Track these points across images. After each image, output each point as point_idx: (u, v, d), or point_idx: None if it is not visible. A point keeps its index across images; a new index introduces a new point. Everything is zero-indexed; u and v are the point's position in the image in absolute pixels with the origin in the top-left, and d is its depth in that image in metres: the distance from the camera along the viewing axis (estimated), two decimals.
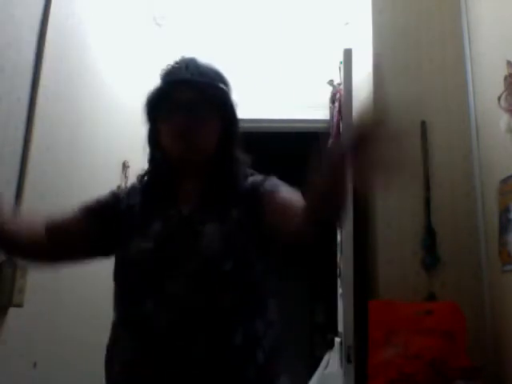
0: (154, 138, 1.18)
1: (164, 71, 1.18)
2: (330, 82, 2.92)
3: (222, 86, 1.17)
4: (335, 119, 2.75)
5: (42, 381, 1.75)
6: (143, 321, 1.02)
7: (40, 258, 1.20)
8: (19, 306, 1.55)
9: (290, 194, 1.07)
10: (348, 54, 2.57)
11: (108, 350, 1.10)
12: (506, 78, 2.07)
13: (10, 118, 1.55)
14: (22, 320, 1.59)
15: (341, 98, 2.65)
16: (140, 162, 3.42)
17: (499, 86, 2.10)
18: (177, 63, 1.17)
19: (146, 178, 1.20)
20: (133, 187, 1.23)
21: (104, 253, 1.20)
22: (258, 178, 1.18)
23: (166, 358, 0.99)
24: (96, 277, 2.29)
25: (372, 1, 2.72)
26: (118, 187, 1.15)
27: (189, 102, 1.11)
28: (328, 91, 2.94)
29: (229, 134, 1.17)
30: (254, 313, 1.06)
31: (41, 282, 1.73)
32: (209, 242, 1.05)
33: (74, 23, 2.01)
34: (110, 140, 2.53)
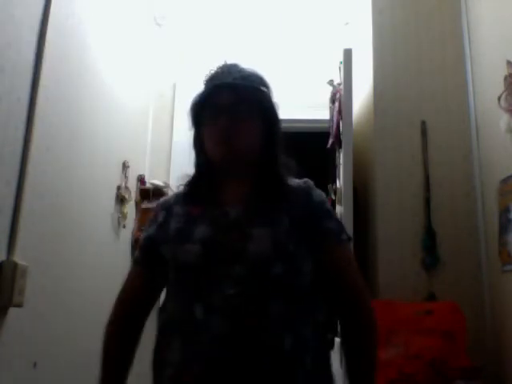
0: (198, 143, 1.20)
1: (207, 76, 1.20)
2: (330, 82, 2.92)
3: (263, 88, 1.19)
4: (335, 119, 2.74)
5: (42, 381, 1.74)
6: (194, 327, 1.02)
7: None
8: (19, 306, 1.55)
9: (350, 266, 1.16)
10: (348, 54, 2.57)
11: (157, 352, 1.11)
12: (506, 78, 2.07)
13: (10, 118, 1.54)
14: (21, 320, 1.59)
15: (341, 98, 2.65)
16: (140, 162, 3.45)
17: (499, 86, 2.10)
18: (219, 68, 1.20)
19: (190, 184, 1.22)
20: (171, 199, 1.25)
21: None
22: (303, 184, 1.19)
23: (215, 366, 0.99)
24: (96, 277, 2.29)
25: (372, 1, 2.72)
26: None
27: (230, 105, 1.13)
28: (328, 91, 2.94)
29: (271, 135, 1.18)
30: (303, 318, 1.06)
31: (41, 282, 1.73)
32: (257, 245, 1.04)
33: (74, 23, 2.01)
34: (110, 140, 2.53)
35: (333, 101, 2.86)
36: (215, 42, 3.40)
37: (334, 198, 2.79)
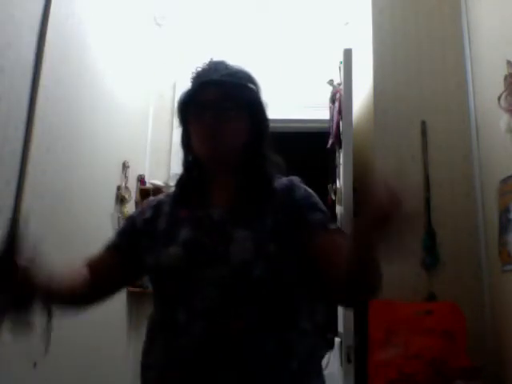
0: (186, 141, 1.19)
1: (194, 73, 1.18)
2: (330, 82, 2.92)
3: (250, 85, 1.18)
4: (335, 119, 2.74)
5: (42, 381, 1.75)
6: (177, 331, 1.01)
7: (78, 304, 1.19)
8: None
9: (335, 239, 1.06)
10: (348, 54, 2.57)
11: (145, 353, 1.09)
12: (506, 78, 2.07)
13: (10, 118, 1.55)
14: None
15: (341, 98, 2.65)
16: (140, 162, 3.45)
17: (499, 86, 2.10)
18: (206, 65, 1.18)
19: (179, 182, 1.20)
20: (163, 198, 1.22)
21: (136, 277, 1.27)
22: (286, 182, 1.16)
23: (196, 370, 0.98)
24: None
25: (372, 1, 2.72)
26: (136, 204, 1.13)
27: (217, 101, 1.11)
28: (328, 91, 2.94)
29: (258, 133, 1.17)
30: (287, 321, 1.04)
31: None
32: (239, 248, 1.03)
33: (73, 23, 2.01)
34: (110, 140, 2.53)
35: (333, 101, 2.86)
36: (215, 42, 3.40)
37: (334, 198, 2.79)
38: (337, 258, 0.99)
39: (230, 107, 1.12)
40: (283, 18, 3.43)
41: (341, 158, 2.64)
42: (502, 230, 2.11)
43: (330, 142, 2.86)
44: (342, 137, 2.59)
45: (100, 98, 2.37)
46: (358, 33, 3.06)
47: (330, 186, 2.86)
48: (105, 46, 2.41)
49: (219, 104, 1.11)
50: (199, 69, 1.17)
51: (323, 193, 2.93)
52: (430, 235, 2.40)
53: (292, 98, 3.33)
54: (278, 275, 1.04)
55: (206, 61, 1.19)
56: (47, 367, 1.78)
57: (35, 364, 1.69)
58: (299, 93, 3.34)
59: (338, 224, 2.63)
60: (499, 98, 2.09)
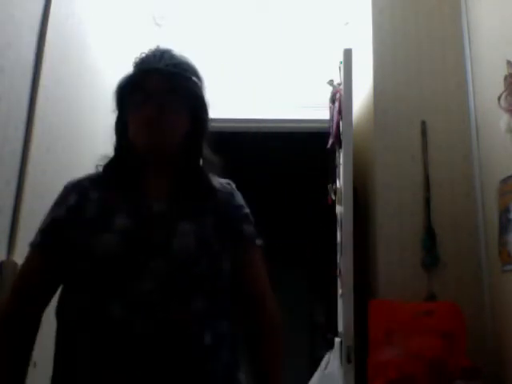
0: (120, 126, 1.15)
1: (137, 59, 1.16)
2: (330, 82, 2.92)
3: (194, 78, 1.15)
4: (335, 119, 2.74)
5: (42, 381, 1.74)
6: (110, 326, 0.95)
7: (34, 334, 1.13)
8: None
9: (260, 269, 1.17)
10: (348, 54, 2.57)
11: (61, 355, 1.04)
12: (506, 78, 2.07)
13: (10, 118, 1.54)
14: None
15: (341, 98, 2.65)
16: None
17: (499, 86, 2.10)
18: (151, 52, 1.15)
19: (107, 168, 1.16)
20: (84, 183, 1.16)
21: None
22: (226, 186, 1.19)
23: (137, 369, 0.95)
24: None
25: (372, 1, 2.72)
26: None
27: (159, 91, 1.09)
28: (328, 91, 2.94)
29: (197, 127, 1.14)
30: (221, 315, 1.06)
31: None
32: (182, 241, 1.03)
33: (73, 23, 2.01)
34: (110, 140, 2.53)
35: (333, 101, 2.86)
36: (215, 42, 3.40)
37: (334, 198, 2.79)
38: (251, 283, 1.14)
39: (171, 99, 1.09)
40: (283, 18, 3.42)
41: (341, 158, 2.64)
42: (502, 230, 2.11)
43: (330, 142, 2.86)
44: (342, 137, 2.59)
45: (100, 98, 2.36)
46: (358, 33, 3.06)
47: (329, 186, 2.86)
48: (105, 46, 2.41)
49: (162, 94, 1.08)
50: (143, 55, 1.15)
51: (323, 193, 2.94)
52: (430, 235, 2.40)
53: (292, 98, 3.33)
54: (218, 271, 1.07)
55: (152, 47, 1.17)
56: (47, 367, 1.78)
57: (35, 364, 1.69)
58: (299, 93, 3.34)
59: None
60: (499, 98, 2.09)
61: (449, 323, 2.13)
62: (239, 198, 1.19)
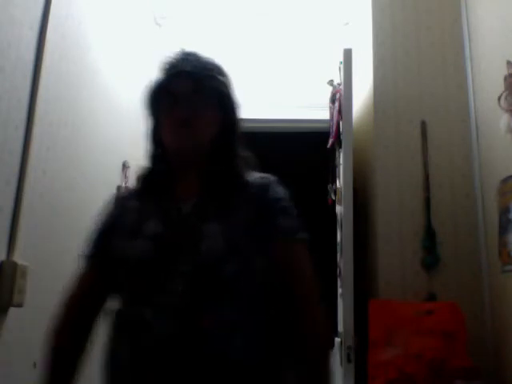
0: (154, 133, 1.16)
1: (163, 64, 1.16)
2: (330, 82, 2.92)
3: (220, 78, 1.16)
4: (335, 119, 2.74)
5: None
6: (142, 328, 0.98)
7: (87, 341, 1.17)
8: (19, 306, 1.55)
9: (302, 264, 1.09)
10: (348, 53, 2.57)
11: (106, 353, 1.07)
12: (505, 78, 2.07)
13: (10, 118, 1.54)
14: (21, 320, 1.59)
15: (341, 98, 2.65)
16: (140, 162, 3.42)
17: (499, 86, 2.10)
18: (176, 56, 1.16)
19: (142, 177, 1.18)
20: (126, 195, 1.22)
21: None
22: (262, 179, 1.14)
23: (162, 370, 0.96)
24: None
25: (372, 1, 2.72)
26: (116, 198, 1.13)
27: (187, 93, 1.10)
28: (328, 91, 2.94)
29: (228, 126, 1.15)
30: (254, 319, 1.02)
31: (41, 282, 1.73)
32: (209, 242, 1.01)
33: (73, 23, 2.01)
34: (110, 140, 2.53)
35: (333, 101, 2.86)
36: (215, 42, 3.40)
37: (333, 198, 2.79)
38: (290, 285, 1.06)
39: (200, 100, 1.10)
40: (283, 18, 3.42)
41: (341, 158, 2.64)
42: (502, 230, 2.11)
43: (330, 142, 2.86)
44: (342, 137, 2.59)
45: (100, 97, 2.37)
46: (357, 33, 3.06)
47: (329, 186, 2.86)
48: (105, 45, 2.41)
49: (190, 96, 1.09)
50: (170, 59, 1.16)
51: (323, 193, 2.94)
52: (430, 235, 2.40)
53: (292, 98, 3.33)
54: (248, 272, 1.03)
55: (177, 51, 1.17)
56: None
57: (35, 364, 1.69)
58: (299, 93, 3.34)
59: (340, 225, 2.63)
60: (499, 98, 2.09)
61: (449, 323, 2.13)
62: (277, 191, 1.13)
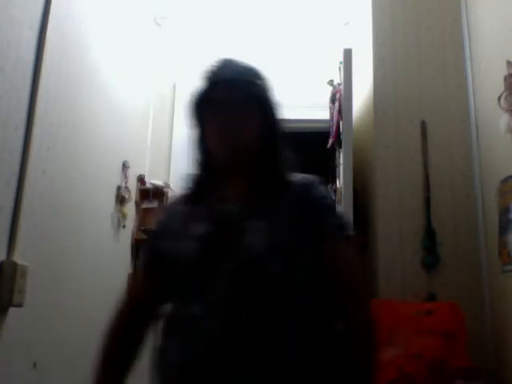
0: (199, 141, 1.20)
1: (204, 73, 1.19)
2: (330, 82, 2.92)
3: (259, 82, 1.19)
4: (335, 119, 2.75)
5: (42, 381, 1.75)
6: (191, 326, 1.01)
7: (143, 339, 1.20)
8: (19, 306, 1.55)
9: (347, 264, 1.11)
10: (348, 54, 2.58)
11: (159, 352, 1.09)
12: (505, 78, 2.07)
13: (10, 118, 1.55)
14: (22, 320, 1.59)
15: (341, 98, 2.66)
16: (140, 162, 3.44)
17: (499, 86, 2.10)
18: (215, 64, 1.19)
19: (192, 182, 1.21)
20: (175, 200, 1.26)
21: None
22: (304, 179, 1.17)
23: (211, 366, 0.97)
24: (96, 277, 2.29)
25: (372, 1, 2.72)
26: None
27: (228, 101, 1.12)
28: (328, 91, 2.94)
29: (271, 129, 1.18)
30: (302, 316, 1.02)
31: (41, 282, 1.73)
32: (253, 240, 1.03)
33: (73, 23, 2.01)
34: (110, 140, 2.53)
35: (333, 101, 2.86)
36: (215, 43, 3.40)
37: (334, 198, 2.79)
38: (338, 282, 1.07)
39: (241, 106, 1.13)
40: (283, 18, 3.42)
41: (341, 158, 2.64)
42: (502, 230, 2.11)
43: (330, 142, 2.86)
44: (342, 137, 2.59)
45: (100, 97, 2.37)
46: (358, 33, 3.06)
47: (329, 185, 2.86)
48: (105, 45, 2.41)
49: (231, 103, 1.12)
50: (209, 68, 1.18)
51: None
52: (430, 235, 2.40)
53: (292, 98, 3.32)
54: (293, 269, 1.04)
55: (216, 59, 1.20)
56: (47, 367, 1.78)
57: (35, 364, 1.69)
58: (299, 93, 3.34)
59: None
60: (499, 98, 2.08)
61: (449, 323, 2.13)
62: (320, 190, 1.16)
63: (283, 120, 1.21)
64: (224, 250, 1.04)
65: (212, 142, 1.15)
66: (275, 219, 1.07)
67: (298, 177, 1.17)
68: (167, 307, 1.13)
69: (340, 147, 2.68)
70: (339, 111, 2.67)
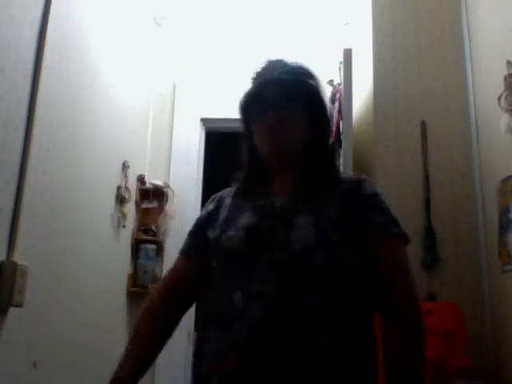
0: (248, 140, 1.21)
1: (254, 74, 1.21)
2: (330, 82, 2.92)
3: (310, 81, 1.20)
4: (335, 119, 2.74)
5: (42, 381, 1.75)
6: (232, 315, 1.02)
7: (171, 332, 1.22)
8: (19, 306, 1.55)
9: (398, 266, 1.15)
10: (348, 54, 2.57)
11: (197, 341, 1.11)
12: (505, 78, 2.07)
13: (10, 118, 1.55)
14: (22, 320, 1.59)
15: (341, 98, 2.65)
16: (140, 162, 3.44)
17: (499, 86, 2.10)
18: (264, 65, 1.21)
19: (241, 178, 1.23)
20: (224, 193, 1.27)
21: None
22: (354, 176, 1.20)
23: (249, 356, 0.98)
24: (96, 276, 2.29)
25: (372, 1, 2.72)
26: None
27: (276, 100, 1.14)
28: (328, 91, 2.94)
29: (319, 128, 1.19)
30: (344, 313, 1.02)
31: (41, 282, 1.73)
32: (300, 233, 1.04)
33: (73, 23, 2.01)
34: (110, 140, 2.53)
35: (333, 101, 2.86)
36: (215, 42, 3.40)
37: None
38: (387, 281, 1.08)
39: (289, 105, 1.14)
40: (283, 18, 3.42)
41: (341, 158, 2.64)
42: (502, 230, 2.11)
43: (330, 142, 2.86)
44: (342, 137, 2.59)
45: (100, 97, 2.37)
46: (358, 33, 3.06)
47: None
48: (105, 45, 2.41)
49: (279, 102, 1.13)
50: (258, 69, 1.21)
51: None
52: (430, 235, 2.40)
53: None
54: (339, 264, 1.04)
55: (264, 60, 1.22)
56: (47, 367, 1.78)
57: (35, 364, 1.69)
58: None
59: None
60: (499, 98, 2.08)
61: (449, 323, 2.13)
62: (370, 187, 1.15)
63: (330, 117, 1.25)
64: (270, 242, 1.05)
65: (260, 141, 1.17)
66: (323, 213, 1.07)
67: (348, 174, 1.19)
68: (205, 295, 1.14)
69: (340, 147, 2.68)
70: (339, 111, 2.67)
